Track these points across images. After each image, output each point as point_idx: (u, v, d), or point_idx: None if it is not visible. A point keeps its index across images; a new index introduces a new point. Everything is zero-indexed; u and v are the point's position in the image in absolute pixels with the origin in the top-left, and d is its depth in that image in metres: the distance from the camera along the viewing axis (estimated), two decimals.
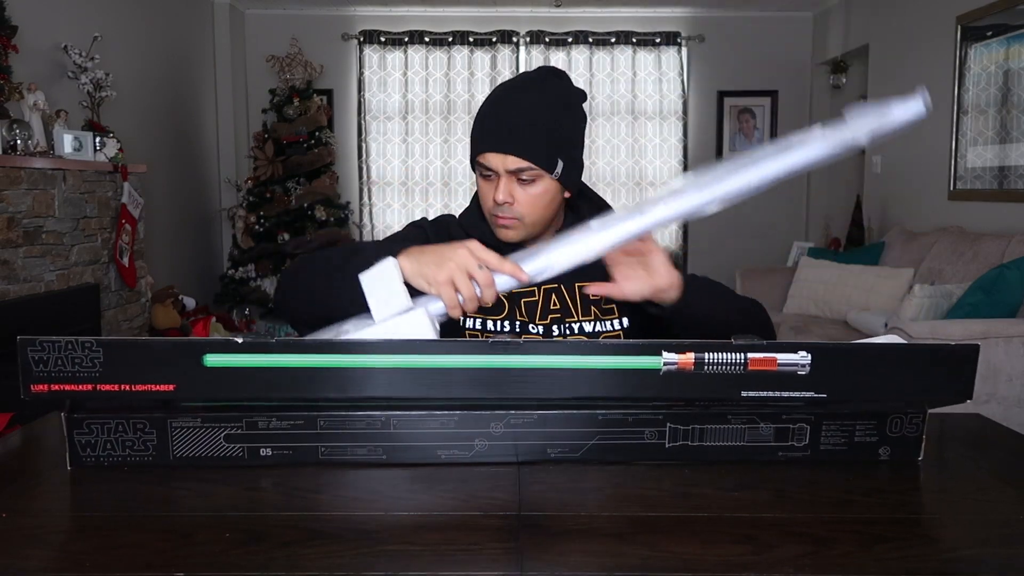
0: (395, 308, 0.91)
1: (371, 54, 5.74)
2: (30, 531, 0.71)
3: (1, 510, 0.75)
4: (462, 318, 1.06)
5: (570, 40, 5.76)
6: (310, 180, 5.21)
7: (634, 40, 5.75)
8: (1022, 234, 3.23)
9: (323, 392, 0.80)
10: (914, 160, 4.33)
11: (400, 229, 1.28)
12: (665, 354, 0.79)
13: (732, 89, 5.87)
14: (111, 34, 4.03)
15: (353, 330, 0.93)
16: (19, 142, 3.10)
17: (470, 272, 0.92)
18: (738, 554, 0.67)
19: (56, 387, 0.77)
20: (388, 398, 0.82)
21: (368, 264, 0.95)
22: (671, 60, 5.77)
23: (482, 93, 5.63)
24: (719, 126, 5.91)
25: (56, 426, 0.94)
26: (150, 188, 4.36)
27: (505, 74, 5.70)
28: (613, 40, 5.75)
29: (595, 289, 1.03)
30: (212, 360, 0.77)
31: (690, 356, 0.79)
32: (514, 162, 1.11)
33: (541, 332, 1.19)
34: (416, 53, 5.75)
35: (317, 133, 5.21)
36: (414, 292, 0.94)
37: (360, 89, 5.74)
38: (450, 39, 5.73)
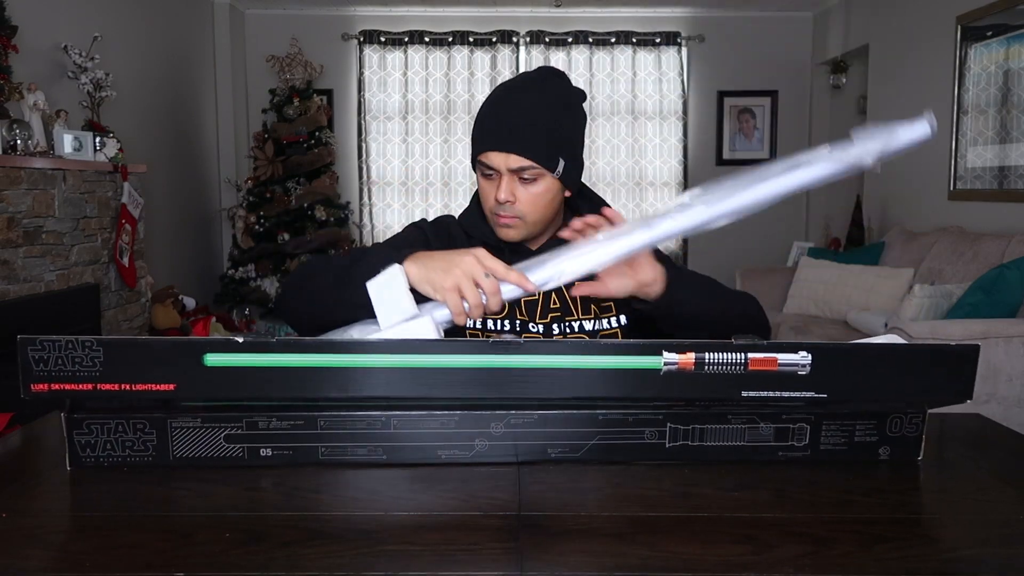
0: (401, 315, 0.91)
1: (371, 54, 5.74)
2: (30, 531, 0.71)
3: (1, 510, 0.75)
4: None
5: (570, 40, 5.76)
6: (310, 180, 5.21)
7: (634, 40, 5.75)
8: (1022, 234, 3.23)
9: (323, 392, 0.80)
10: (914, 160, 4.33)
11: (399, 230, 1.29)
12: (665, 354, 0.79)
13: (732, 89, 5.87)
14: (111, 34, 4.03)
15: (358, 335, 0.93)
16: (19, 142, 3.10)
17: (476, 280, 0.93)
18: (738, 554, 0.67)
19: (56, 386, 0.77)
20: (388, 398, 0.82)
21: (373, 270, 0.95)
22: (671, 60, 5.77)
23: (482, 93, 5.63)
24: (719, 126, 5.91)
25: (56, 426, 0.94)
26: (150, 188, 4.36)
27: (505, 74, 5.70)
28: (613, 40, 5.75)
29: (581, 291, 1.03)
30: (212, 359, 0.77)
31: (690, 356, 0.79)
32: (516, 161, 1.12)
33: (541, 331, 1.20)
34: (416, 53, 5.75)
35: (317, 133, 5.21)
36: (419, 298, 0.94)
37: (360, 89, 5.74)
38: (450, 39, 5.73)
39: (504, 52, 5.77)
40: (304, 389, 0.79)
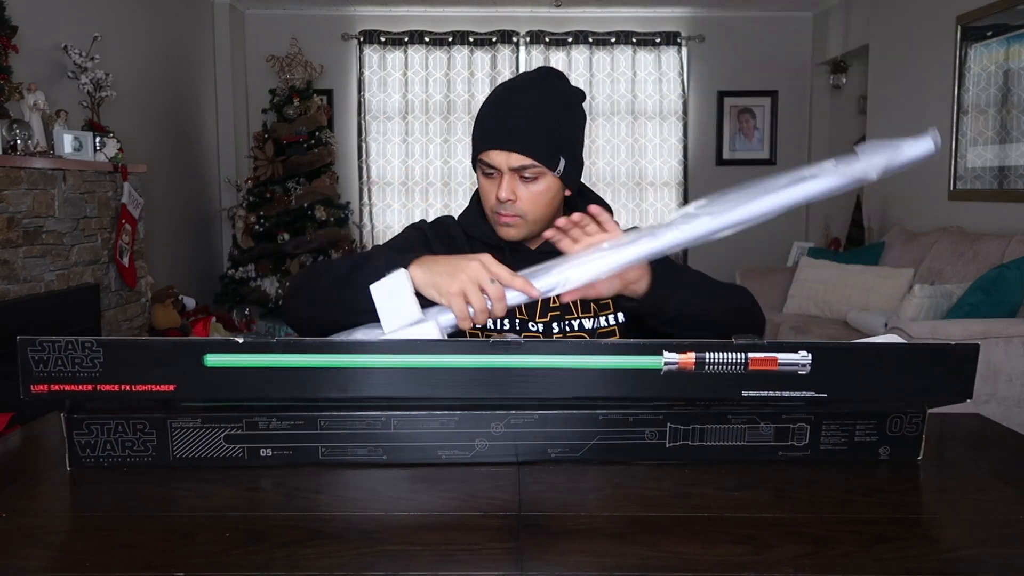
0: (405, 319, 0.91)
1: (371, 54, 5.74)
2: (30, 531, 0.71)
3: (1, 510, 0.75)
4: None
5: (570, 40, 5.76)
6: (310, 180, 5.21)
7: (634, 40, 5.75)
8: (1022, 234, 3.23)
9: (323, 392, 0.80)
10: None
11: (399, 232, 1.29)
12: (666, 354, 0.79)
13: (732, 89, 5.87)
14: (111, 34, 4.03)
15: (363, 339, 0.94)
16: (19, 142, 3.10)
17: (482, 285, 0.93)
18: (738, 554, 0.67)
19: (56, 387, 0.77)
20: (388, 398, 0.82)
21: (378, 274, 0.95)
22: (671, 60, 5.77)
23: (482, 93, 5.63)
24: (719, 126, 5.91)
25: (56, 426, 0.94)
26: (150, 188, 4.36)
27: (505, 74, 5.70)
28: (613, 40, 5.75)
29: (572, 295, 1.00)
30: (212, 360, 0.77)
31: (691, 356, 0.79)
32: (517, 159, 1.12)
33: (541, 330, 1.20)
34: (416, 53, 5.75)
35: (317, 133, 5.21)
36: (424, 302, 0.95)
37: (360, 89, 5.74)
38: (450, 39, 5.73)
39: (504, 52, 5.77)
40: (304, 390, 0.79)
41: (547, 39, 5.76)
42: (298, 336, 1.10)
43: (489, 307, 0.94)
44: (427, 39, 5.73)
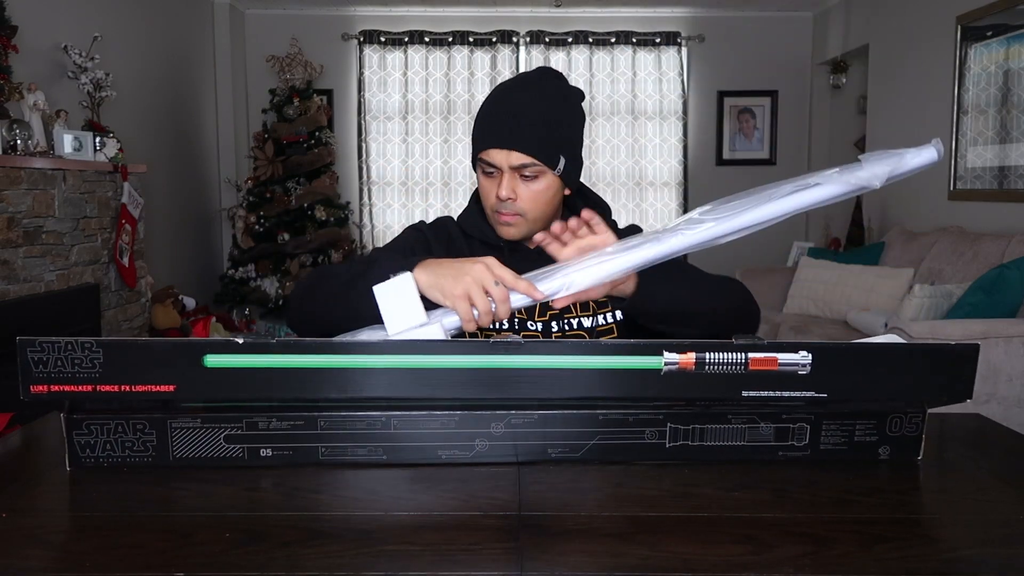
0: (410, 322, 0.91)
1: (371, 54, 5.74)
2: (30, 531, 0.71)
3: (1, 510, 0.75)
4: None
5: (570, 40, 5.76)
6: (310, 180, 5.21)
7: (634, 40, 5.75)
8: (1022, 234, 3.23)
9: (323, 393, 0.80)
10: None
11: (398, 234, 1.29)
12: (666, 354, 0.79)
13: (732, 89, 5.87)
14: (111, 34, 4.03)
15: (363, 339, 0.94)
16: (19, 142, 3.10)
17: (486, 287, 0.93)
18: (738, 554, 0.67)
19: (56, 388, 0.77)
20: (388, 398, 0.82)
21: (382, 278, 0.95)
22: (671, 60, 5.77)
23: (482, 93, 5.63)
24: (719, 126, 5.91)
25: (56, 426, 0.94)
26: (150, 188, 4.37)
27: (505, 74, 5.70)
28: (613, 40, 5.75)
29: (563, 301, 0.98)
30: (212, 361, 0.77)
31: (691, 356, 0.80)
32: (518, 158, 1.13)
33: (540, 328, 1.21)
34: (416, 53, 5.75)
35: (317, 133, 5.21)
36: (428, 305, 0.95)
37: (360, 89, 5.74)
38: (450, 39, 5.73)
39: (504, 52, 5.77)
40: (304, 390, 0.79)
41: (547, 39, 5.76)
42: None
43: (493, 309, 0.94)
44: (427, 39, 5.73)
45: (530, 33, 5.75)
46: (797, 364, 0.81)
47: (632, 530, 0.72)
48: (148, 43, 4.63)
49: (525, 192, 1.15)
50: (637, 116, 5.79)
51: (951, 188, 4.00)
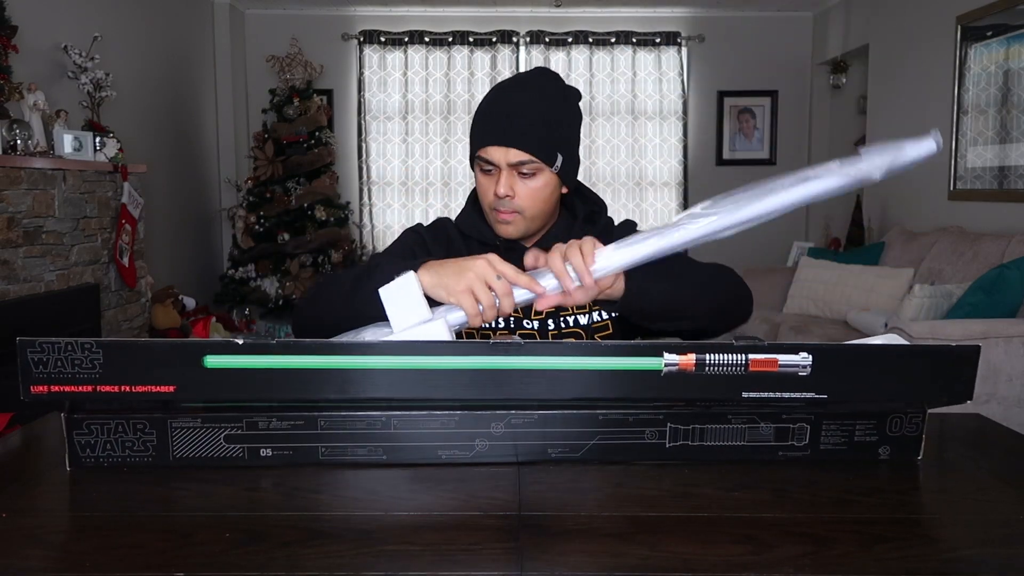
0: (414, 319, 0.92)
1: (371, 54, 5.74)
2: (30, 531, 0.71)
3: (1, 510, 0.75)
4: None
5: (570, 40, 5.76)
6: (310, 180, 5.21)
7: (634, 40, 5.75)
8: (1022, 234, 3.23)
9: (323, 394, 0.80)
10: None
11: (397, 237, 1.30)
12: (666, 355, 0.79)
13: (732, 89, 5.87)
14: (111, 34, 4.03)
15: (371, 338, 0.94)
16: (19, 142, 3.10)
17: (488, 282, 0.94)
18: (738, 554, 0.67)
19: (56, 388, 0.77)
20: (388, 398, 0.82)
21: (386, 280, 0.95)
22: (671, 60, 5.77)
23: (482, 93, 5.60)
24: (719, 126, 5.91)
25: (56, 426, 0.94)
26: (150, 188, 4.36)
27: (505, 74, 5.69)
28: (613, 40, 5.75)
29: (547, 303, 0.97)
30: (212, 361, 0.77)
31: (691, 357, 0.79)
32: (516, 155, 1.13)
33: (536, 327, 1.21)
34: (416, 53, 5.75)
35: (317, 133, 5.21)
36: (433, 305, 0.95)
37: (360, 89, 5.74)
38: (450, 39, 5.73)
39: (504, 52, 5.77)
40: (304, 391, 0.79)
41: (547, 39, 5.76)
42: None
43: (497, 304, 0.94)
44: (427, 39, 5.73)
45: (530, 33, 5.75)
46: (797, 365, 0.81)
47: (632, 530, 0.72)
48: (148, 43, 4.63)
49: (523, 190, 1.16)
50: (637, 116, 5.79)
51: (951, 188, 4.00)
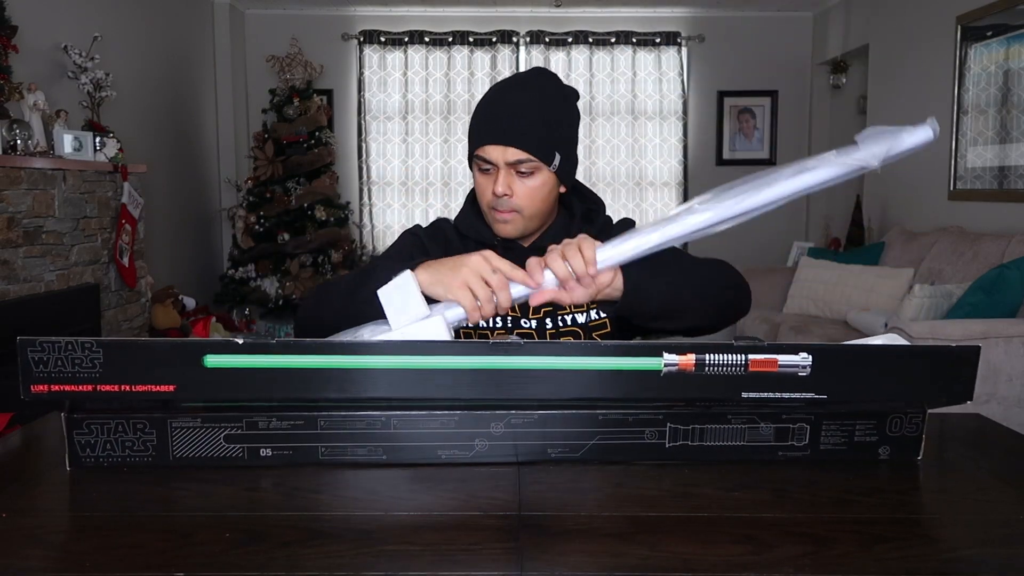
0: (413, 317, 0.92)
1: (371, 54, 5.74)
2: (30, 531, 0.71)
3: (1, 510, 0.75)
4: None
5: (570, 40, 5.76)
6: (310, 180, 5.21)
7: (634, 40, 5.75)
8: (1022, 234, 3.23)
9: (323, 394, 0.80)
10: (914, 160, 4.31)
11: (395, 240, 1.30)
12: (666, 355, 0.79)
13: (732, 89, 5.87)
14: (111, 34, 4.03)
15: (369, 336, 0.94)
16: (19, 142, 3.10)
17: (484, 277, 0.94)
18: (738, 554, 0.67)
19: (56, 388, 0.77)
20: (388, 398, 0.82)
21: (384, 281, 0.95)
22: (671, 60, 5.77)
23: (482, 93, 5.59)
24: (719, 126, 5.91)
25: (56, 426, 0.94)
26: (150, 188, 4.36)
27: (505, 74, 5.69)
28: (613, 40, 5.75)
29: (542, 298, 0.97)
30: (212, 361, 0.77)
31: (691, 357, 0.79)
32: (514, 154, 1.14)
33: (534, 326, 1.21)
34: (416, 53, 5.75)
35: (317, 133, 5.21)
36: (432, 303, 0.95)
37: (360, 89, 5.74)
38: (450, 39, 5.73)
39: (504, 52, 5.77)
40: (304, 391, 0.79)
41: (547, 39, 5.76)
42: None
43: (494, 299, 0.94)
44: (427, 39, 5.73)
45: (530, 33, 5.75)
46: (797, 366, 0.81)
47: (632, 530, 0.72)
48: (148, 43, 4.63)
49: (521, 188, 1.16)
50: (637, 116, 5.79)
51: (951, 188, 4.00)
